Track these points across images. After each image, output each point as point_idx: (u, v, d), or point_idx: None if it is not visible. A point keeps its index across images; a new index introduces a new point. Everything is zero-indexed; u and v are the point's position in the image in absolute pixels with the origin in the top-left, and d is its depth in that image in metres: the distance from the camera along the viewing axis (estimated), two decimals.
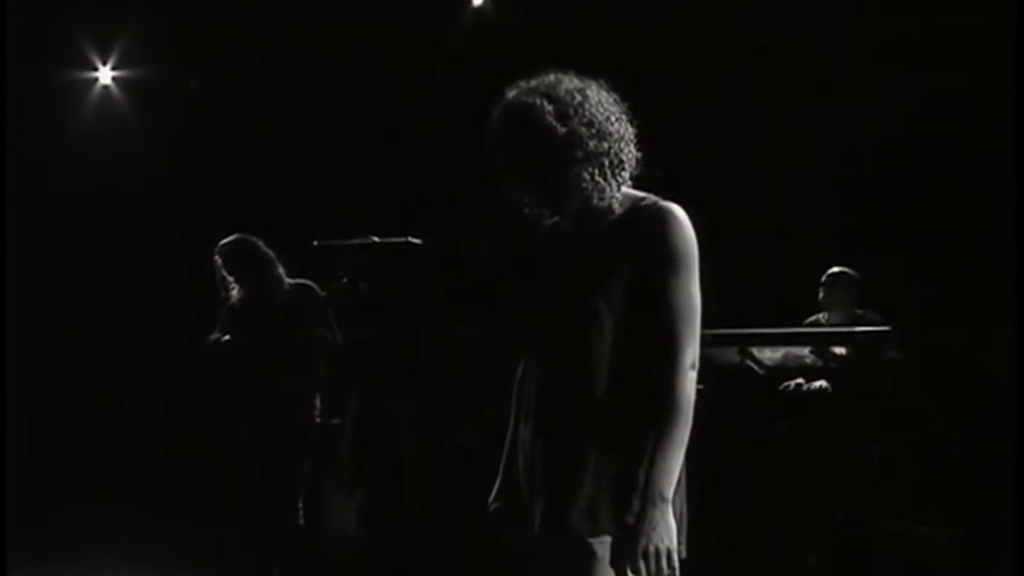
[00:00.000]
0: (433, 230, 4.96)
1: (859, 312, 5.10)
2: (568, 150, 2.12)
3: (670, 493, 2.08)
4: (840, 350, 4.73)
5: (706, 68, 5.77)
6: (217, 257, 4.54)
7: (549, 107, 2.12)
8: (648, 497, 2.05)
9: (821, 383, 4.89)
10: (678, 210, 2.12)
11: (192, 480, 5.82)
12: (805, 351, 4.79)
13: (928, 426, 4.56)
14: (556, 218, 2.31)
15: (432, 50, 6.49)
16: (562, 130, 2.11)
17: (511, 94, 2.17)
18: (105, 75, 7.32)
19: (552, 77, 2.20)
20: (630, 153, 2.19)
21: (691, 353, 2.09)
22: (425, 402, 5.16)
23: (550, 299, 2.21)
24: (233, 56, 6.60)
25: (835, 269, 5.17)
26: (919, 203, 5.35)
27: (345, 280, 4.67)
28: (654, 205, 2.14)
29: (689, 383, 2.08)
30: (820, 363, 4.74)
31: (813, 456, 4.64)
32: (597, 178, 2.15)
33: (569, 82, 2.18)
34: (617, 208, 2.17)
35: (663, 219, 2.10)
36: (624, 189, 2.19)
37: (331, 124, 6.67)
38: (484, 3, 6.66)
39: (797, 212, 5.61)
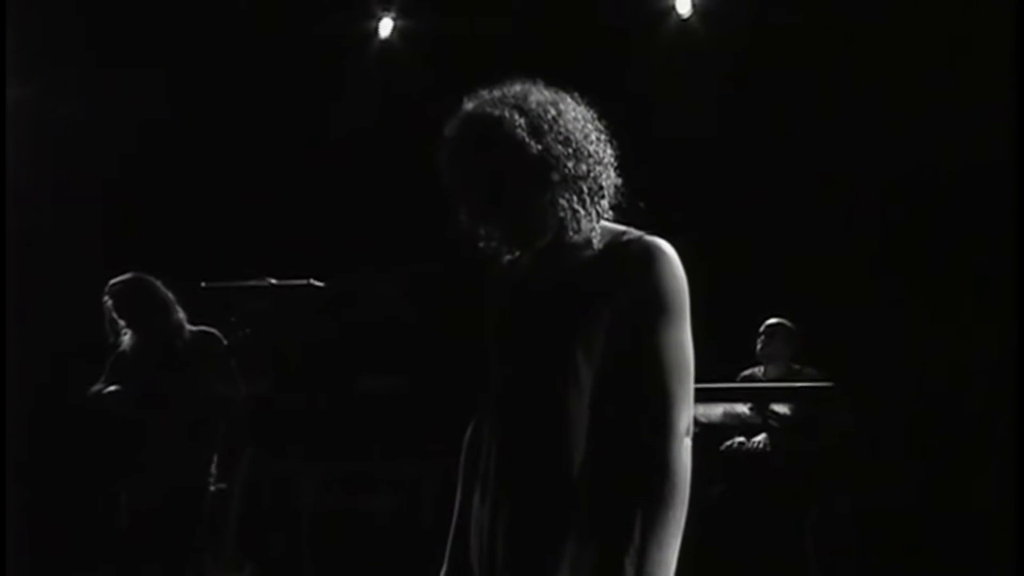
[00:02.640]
0: (340, 271, 4.74)
1: (796, 367, 4.95)
2: (542, 171, 1.87)
3: None
4: (781, 407, 4.55)
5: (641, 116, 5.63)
6: (107, 297, 4.03)
7: (520, 120, 1.86)
8: None
9: (760, 441, 4.69)
10: (667, 247, 1.88)
11: (66, 555, 5.23)
12: (744, 408, 4.60)
13: (874, 488, 4.44)
14: (519, 253, 2.02)
15: (341, 83, 6.24)
16: (535, 147, 1.86)
17: (472, 104, 1.91)
18: None
19: (519, 87, 1.93)
20: (610, 179, 1.95)
21: (685, 416, 1.83)
22: (328, 461, 4.79)
23: (515, 349, 1.93)
24: (109, 79, 6.15)
25: (772, 320, 5.03)
26: (866, 250, 5.29)
27: (237, 327, 4.32)
28: (639, 240, 1.89)
29: (684, 453, 1.82)
30: (759, 420, 4.55)
31: (750, 519, 4.44)
32: (576, 206, 1.89)
33: (540, 93, 1.93)
34: (596, 243, 1.92)
35: (650, 257, 1.85)
36: (602, 221, 1.95)
37: (227, 153, 6.29)
38: (392, 35, 6.40)
39: (736, 258, 5.45)
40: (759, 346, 5.01)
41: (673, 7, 6.06)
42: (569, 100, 1.94)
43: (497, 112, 1.86)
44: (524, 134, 1.84)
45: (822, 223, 5.45)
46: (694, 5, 6.04)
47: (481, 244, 1.96)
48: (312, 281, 4.57)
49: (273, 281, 4.55)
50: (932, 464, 4.47)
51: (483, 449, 1.98)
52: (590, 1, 5.83)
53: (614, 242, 1.91)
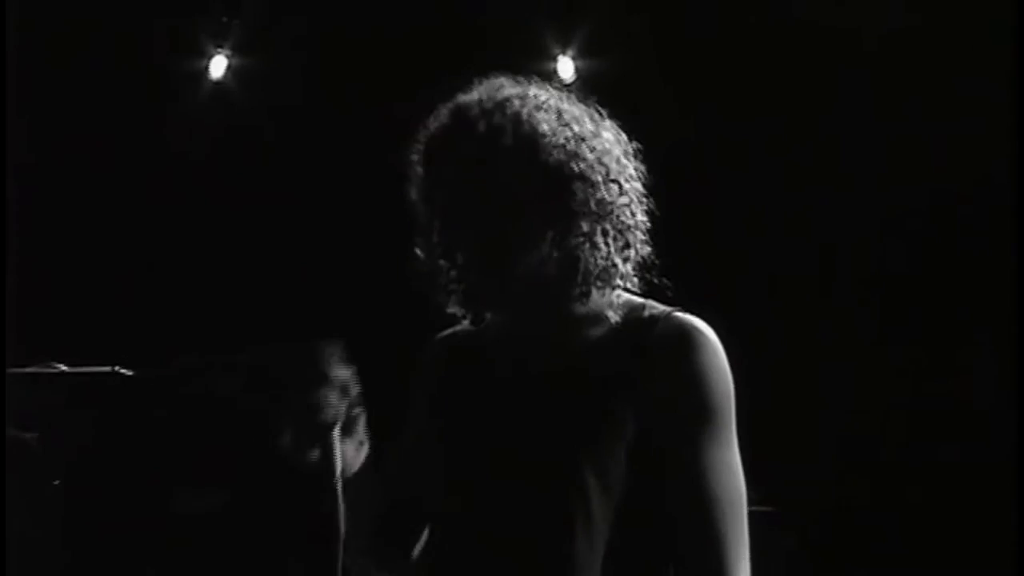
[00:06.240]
0: (158, 354, 4.16)
1: None
2: (577, 200, 1.52)
3: None
4: None
5: None
6: None
7: (557, 127, 1.53)
8: None
9: None
10: (706, 329, 1.56)
11: None
12: None
13: None
14: (487, 319, 1.61)
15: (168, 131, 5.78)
16: (574, 166, 1.52)
17: (470, 99, 1.57)
18: None
19: (536, 88, 1.59)
20: (639, 229, 1.61)
21: (743, 571, 1.50)
22: None
23: (490, 471, 1.54)
24: None
25: None
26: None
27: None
28: (668, 319, 1.56)
29: None
30: None
31: None
32: (615, 259, 1.54)
33: (567, 102, 1.59)
34: (612, 318, 1.56)
35: (688, 344, 1.52)
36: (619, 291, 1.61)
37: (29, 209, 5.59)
38: (226, 76, 5.97)
39: None
40: None
41: (555, 71, 5.94)
42: (604, 120, 1.62)
43: (514, 109, 1.52)
44: (566, 144, 1.52)
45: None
46: (577, 70, 5.96)
47: (442, 296, 1.57)
48: (118, 368, 3.99)
49: (63, 368, 3.96)
50: None
51: None
52: (461, 56, 5.60)
53: (633, 319, 1.56)
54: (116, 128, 5.61)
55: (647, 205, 1.59)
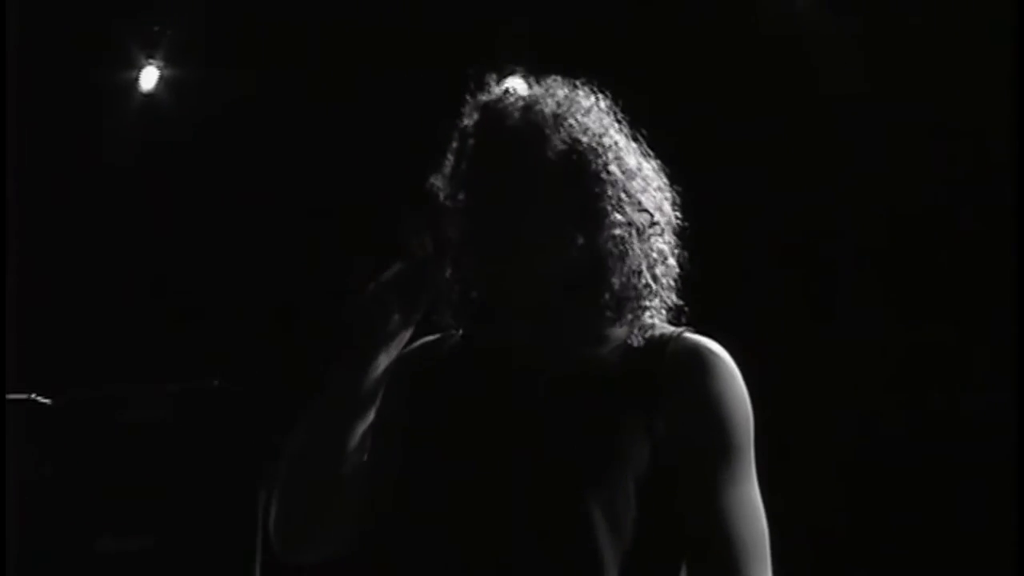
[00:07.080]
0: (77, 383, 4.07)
1: None
2: (612, 201, 1.49)
3: None
4: None
5: None
6: None
7: (595, 130, 1.51)
8: None
9: None
10: (721, 351, 1.49)
11: None
12: None
13: None
14: (481, 328, 1.56)
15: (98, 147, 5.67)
16: (613, 171, 1.49)
17: (515, 90, 1.54)
18: None
19: (584, 94, 1.57)
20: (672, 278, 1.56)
21: None
22: None
23: (479, 504, 1.43)
24: None
25: None
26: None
27: None
28: (679, 340, 1.49)
29: None
30: None
31: None
32: (646, 277, 1.48)
33: (612, 121, 1.57)
34: (633, 340, 1.49)
35: (704, 369, 1.45)
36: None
37: None
38: (158, 89, 5.80)
39: None
40: None
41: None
42: (649, 159, 1.59)
43: (572, 108, 1.50)
44: (607, 151, 1.49)
45: None
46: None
47: (441, 308, 1.53)
48: (35, 396, 3.82)
49: None
50: None
51: None
52: (402, 66, 5.43)
53: (645, 340, 1.48)
54: (42, 140, 5.44)
55: (678, 255, 1.54)
